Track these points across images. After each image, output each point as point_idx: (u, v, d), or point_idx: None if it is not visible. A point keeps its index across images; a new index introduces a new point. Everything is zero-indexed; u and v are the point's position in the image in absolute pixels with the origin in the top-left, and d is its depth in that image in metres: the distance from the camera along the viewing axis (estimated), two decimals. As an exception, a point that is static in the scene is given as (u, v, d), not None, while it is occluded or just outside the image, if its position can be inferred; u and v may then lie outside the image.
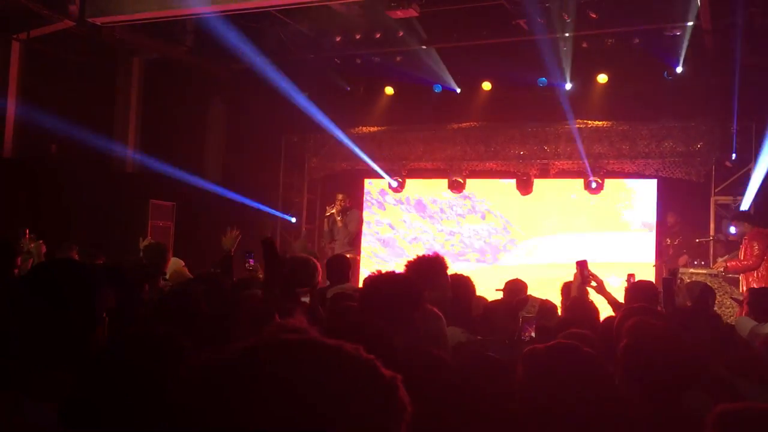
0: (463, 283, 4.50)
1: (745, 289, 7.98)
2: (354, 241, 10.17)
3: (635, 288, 4.70)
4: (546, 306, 5.29)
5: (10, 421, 1.69)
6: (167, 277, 5.64)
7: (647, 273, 9.49)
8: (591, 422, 1.89)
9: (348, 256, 9.85)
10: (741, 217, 8.81)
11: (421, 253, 3.80)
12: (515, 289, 5.47)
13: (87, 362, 1.69)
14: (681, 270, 9.05)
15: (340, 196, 10.57)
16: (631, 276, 5.95)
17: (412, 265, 3.61)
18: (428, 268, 3.59)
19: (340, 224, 10.27)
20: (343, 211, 10.33)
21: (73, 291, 2.02)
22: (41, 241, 5.66)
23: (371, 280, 3.10)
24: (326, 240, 10.43)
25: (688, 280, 8.34)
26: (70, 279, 2.05)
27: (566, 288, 5.48)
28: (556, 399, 1.91)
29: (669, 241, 10.12)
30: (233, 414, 0.90)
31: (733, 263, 8.64)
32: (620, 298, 4.85)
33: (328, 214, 10.48)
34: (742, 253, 8.34)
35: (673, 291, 4.76)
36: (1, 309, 1.98)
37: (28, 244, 5.60)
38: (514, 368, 2.08)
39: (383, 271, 3.20)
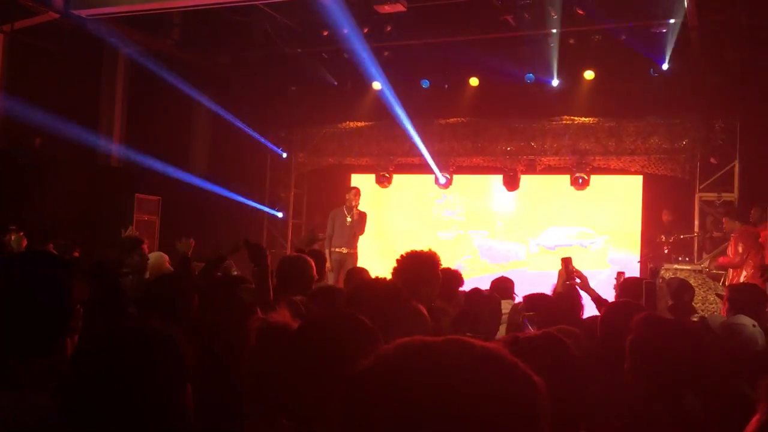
0: (453, 278, 4.52)
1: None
2: (353, 239, 10.05)
3: (625, 286, 4.70)
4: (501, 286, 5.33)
5: None
6: (147, 272, 5.55)
7: (633, 269, 9.56)
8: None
9: (344, 251, 9.87)
10: (733, 214, 8.85)
11: (412, 249, 3.70)
12: (502, 287, 5.46)
13: (81, 354, 1.68)
14: (665, 266, 9.10)
15: (354, 191, 10.29)
16: (620, 274, 5.98)
17: (404, 261, 3.57)
18: (421, 263, 3.55)
19: (348, 222, 10.10)
20: (354, 210, 10.06)
21: (44, 282, 2.03)
22: (21, 234, 5.63)
23: (356, 288, 3.04)
24: (327, 240, 10.17)
25: (671, 276, 8.39)
26: (41, 270, 2.06)
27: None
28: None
29: (663, 238, 10.15)
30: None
31: (722, 259, 8.72)
32: (605, 294, 4.86)
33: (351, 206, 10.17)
34: (729, 249, 8.43)
35: (655, 294, 4.78)
36: None
37: (10, 237, 5.58)
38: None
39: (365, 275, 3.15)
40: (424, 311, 3.25)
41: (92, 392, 1.52)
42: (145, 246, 5.45)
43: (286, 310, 2.77)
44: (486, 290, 4.33)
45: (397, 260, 3.63)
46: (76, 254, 6.74)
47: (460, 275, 5.14)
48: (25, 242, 5.71)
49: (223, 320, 3.11)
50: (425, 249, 3.70)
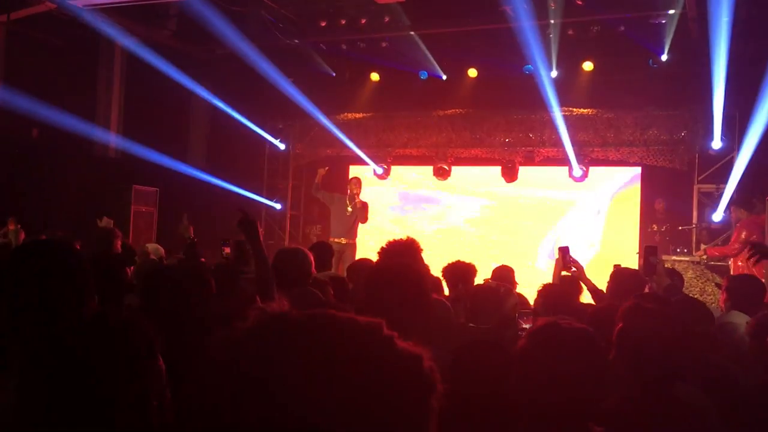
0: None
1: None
2: (352, 229, 10.05)
3: (618, 275, 4.63)
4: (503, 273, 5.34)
5: None
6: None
7: (631, 261, 9.54)
8: (580, 400, 1.89)
9: (343, 241, 9.84)
10: (740, 202, 8.77)
11: (394, 238, 3.63)
12: (503, 275, 5.45)
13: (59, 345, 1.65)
14: (663, 257, 9.08)
15: (354, 180, 10.28)
16: (617, 266, 5.97)
17: (386, 251, 3.54)
18: (402, 252, 3.49)
19: (349, 212, 10.07)
20: (356, 200, 10.04)
21: (52, 271, 2.01)
22: (19, 226, 5.62)
23: (375, 272, 2.85)
24: (314, 189, 10.16)
25: (668, 266, 8.37)
26: (52, 260, 2.04)
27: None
28: (549, 373, 1.90)
29: (656, 227, 10.14)
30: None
31: (713, 249, 8.71)
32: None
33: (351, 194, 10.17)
34: (733, 239, 8.41)
35: (652, 263, 4.76)
36: None
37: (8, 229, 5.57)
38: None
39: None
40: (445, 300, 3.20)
41: (51, 384, 1.48)
42: (118, 241, 5.40)
43: (285, 300, 2.72)
44: (490, 281, 4.31)
45: (379, 252, 3.59)
46: (77, 246, 6.72)
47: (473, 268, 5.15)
48: (23, 234, 5.70)
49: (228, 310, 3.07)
50: (403, 237, 3.64)
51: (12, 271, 2.03)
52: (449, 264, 5.20)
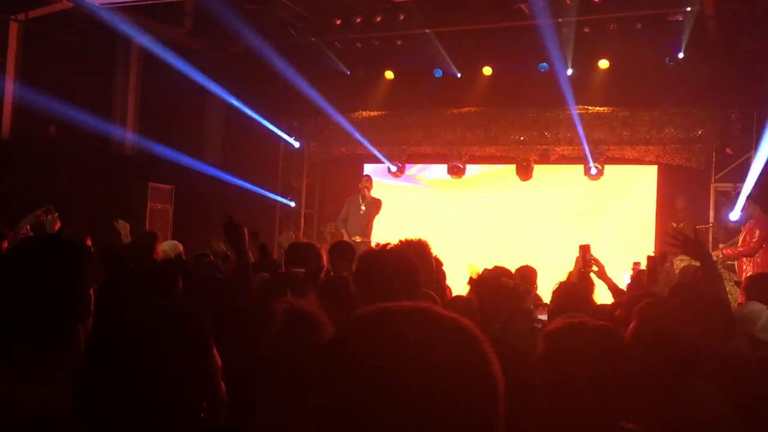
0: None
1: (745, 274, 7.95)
2: (367, 228, 10.06)
3: (640, 276, 4.68)
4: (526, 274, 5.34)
5: None
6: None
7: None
8: (611, 398, 1.88)
9: (358, 239, 9.82)
10: (755, 198, 8.66)
11: (404, 238, 3.56)
12: (527, 275, 5.44)
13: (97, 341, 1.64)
14: (680, 257, 9.01)
15: (365, 178, 10.32)
16: (636, 264, 5.96)
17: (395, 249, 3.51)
18: (414, 252, 3.49)
19: (362, 210, 10.03)
20: (367, 198, 10.07)
21: (56, 268, 1.99)
22: (56, 215, 5.65)
23: (365, 257, 2.88)
24: (340, 222, 10.25)
25: (686, 266, 8.31)
26: (53, 256, 2.02)
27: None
28: (577, 375, 1.89)
29: (675, 225, 10.08)
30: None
31: (729, 250, 8.62)
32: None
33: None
34: (742, 238, 8.31)
35: (656, 272, 4.76)
36: None
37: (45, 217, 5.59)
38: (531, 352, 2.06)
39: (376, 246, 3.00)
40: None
41: (110, 378, 1.47)
42: (159, 244, 5.44)
43: (314, 297, 2.71)
44: (507, 280, 4.29)
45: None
46: (89, 242, 6.76)
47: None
48: (58, 224, 5.72)
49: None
50: (414, 238, 3.63)
51: (10, 267, 2.01)
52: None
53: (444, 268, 5.00)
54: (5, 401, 1.69)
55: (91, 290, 2.12)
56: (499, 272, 5.08)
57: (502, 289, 3.94)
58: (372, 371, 0.91)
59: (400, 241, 3.57)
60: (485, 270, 5.10)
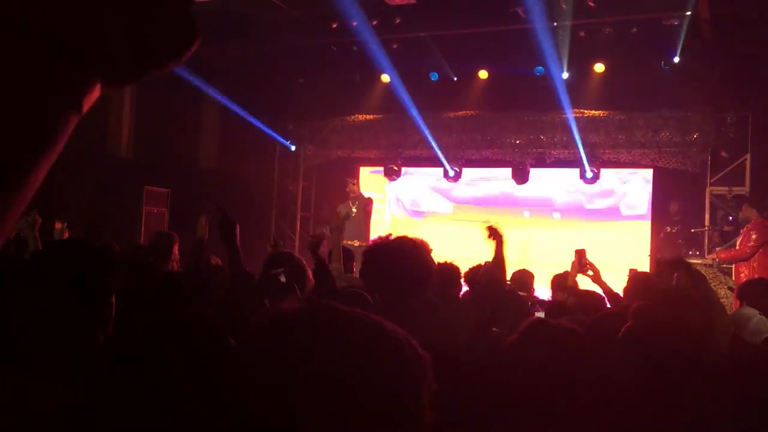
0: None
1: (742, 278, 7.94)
2: (363, 229, 10.03)
3: (635, 280, 4.68)
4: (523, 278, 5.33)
5: (5, 397, 1.67)
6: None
7: (643, 264, 9.52)
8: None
9: (356, 244, 9.77)
10: (752, 202, 8.65)
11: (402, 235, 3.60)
12: (522, 279, 5.43)
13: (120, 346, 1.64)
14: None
15: (350, 181, 10.30)
16: (633, 271, 5.97)
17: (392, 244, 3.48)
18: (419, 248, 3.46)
19: (354, 211, 9.96)
20: (355, 199, 10.07)
21: (81, 272, 1.99)
22: (65, 224, 5.58)
23: (373, 250, 2.83)
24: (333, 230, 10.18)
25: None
26: (79, 260, 2.03)
27: (557, 280, 5.44)
28: (543, 371, 1.91)
29: (669, 229, 10.10)
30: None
31: (724, 253, 8.62)
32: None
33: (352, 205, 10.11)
34: (739, 241, 8.30)
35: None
36: (8, 288, 1.96)
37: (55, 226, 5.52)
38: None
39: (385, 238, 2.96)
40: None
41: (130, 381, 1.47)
42: (176, 246, 5.39)
43: (295, 301, 2.69)
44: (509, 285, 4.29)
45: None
46: (116, 248, 6.71)
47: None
48: (67, 233, 5.63)
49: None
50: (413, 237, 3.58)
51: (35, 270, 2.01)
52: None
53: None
54: (22, 401, 1.70)
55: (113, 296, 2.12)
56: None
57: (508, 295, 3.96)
58: (280, 372, 0.92)
59: (394, 239, 3.53)
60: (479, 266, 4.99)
